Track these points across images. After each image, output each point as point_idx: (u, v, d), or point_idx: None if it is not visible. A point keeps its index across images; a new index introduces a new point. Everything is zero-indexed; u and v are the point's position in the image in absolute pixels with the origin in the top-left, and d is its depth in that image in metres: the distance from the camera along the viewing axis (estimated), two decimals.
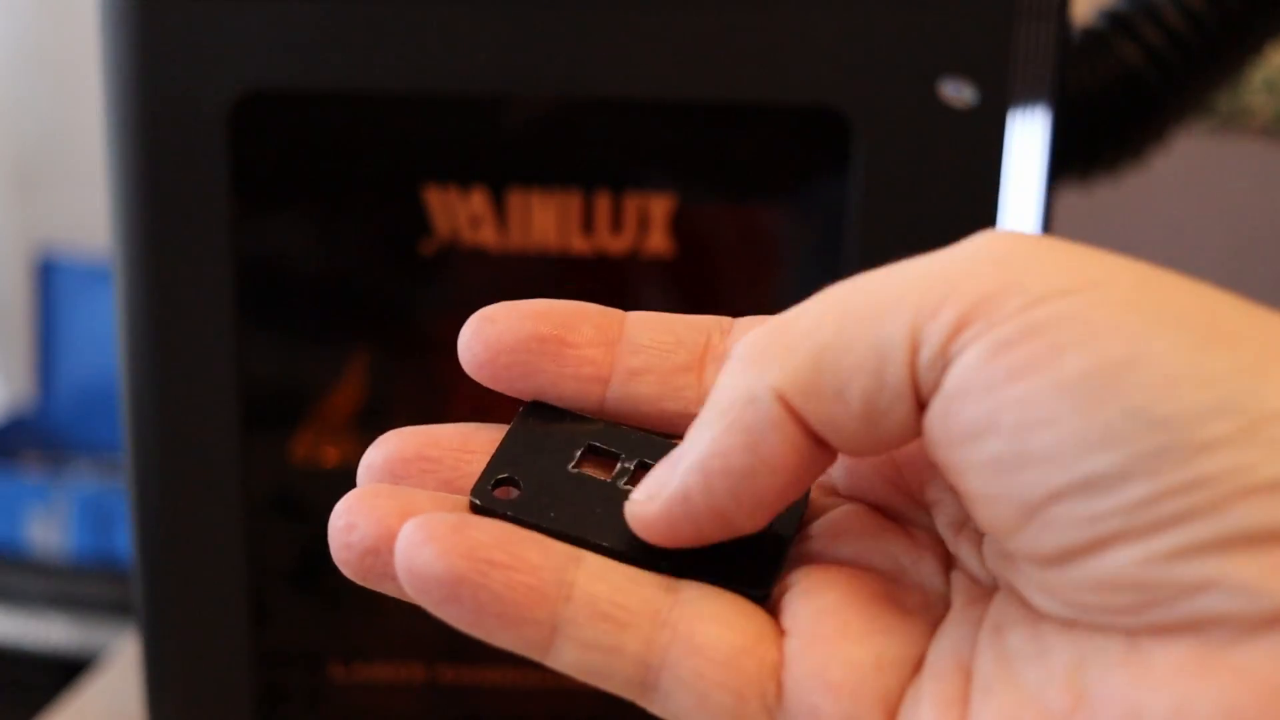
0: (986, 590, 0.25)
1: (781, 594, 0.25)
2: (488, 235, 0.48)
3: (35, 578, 1.34)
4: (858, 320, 0.23)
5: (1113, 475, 0.21)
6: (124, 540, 1.26)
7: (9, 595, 1.33)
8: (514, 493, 0.26)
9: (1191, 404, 0.21)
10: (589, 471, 0.27)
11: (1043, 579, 0.23)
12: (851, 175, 0.46)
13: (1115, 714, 0.21)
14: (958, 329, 0.22)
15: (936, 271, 0.23)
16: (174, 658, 0.52)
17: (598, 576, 0.25)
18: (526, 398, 0.27)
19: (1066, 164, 0.58)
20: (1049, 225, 0.48)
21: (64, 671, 1.18)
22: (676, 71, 0.45)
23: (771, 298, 0.51)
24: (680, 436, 0.27)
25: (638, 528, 0.25)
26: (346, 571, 0.25)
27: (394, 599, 0.25)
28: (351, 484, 0.26)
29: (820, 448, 0.24)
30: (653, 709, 0.25)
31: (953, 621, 0.25)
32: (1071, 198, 0.62)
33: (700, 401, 0.26)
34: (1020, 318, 0.22)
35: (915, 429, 0.23)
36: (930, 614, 0.25)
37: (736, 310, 0.41)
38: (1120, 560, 0.21)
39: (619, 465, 0.27)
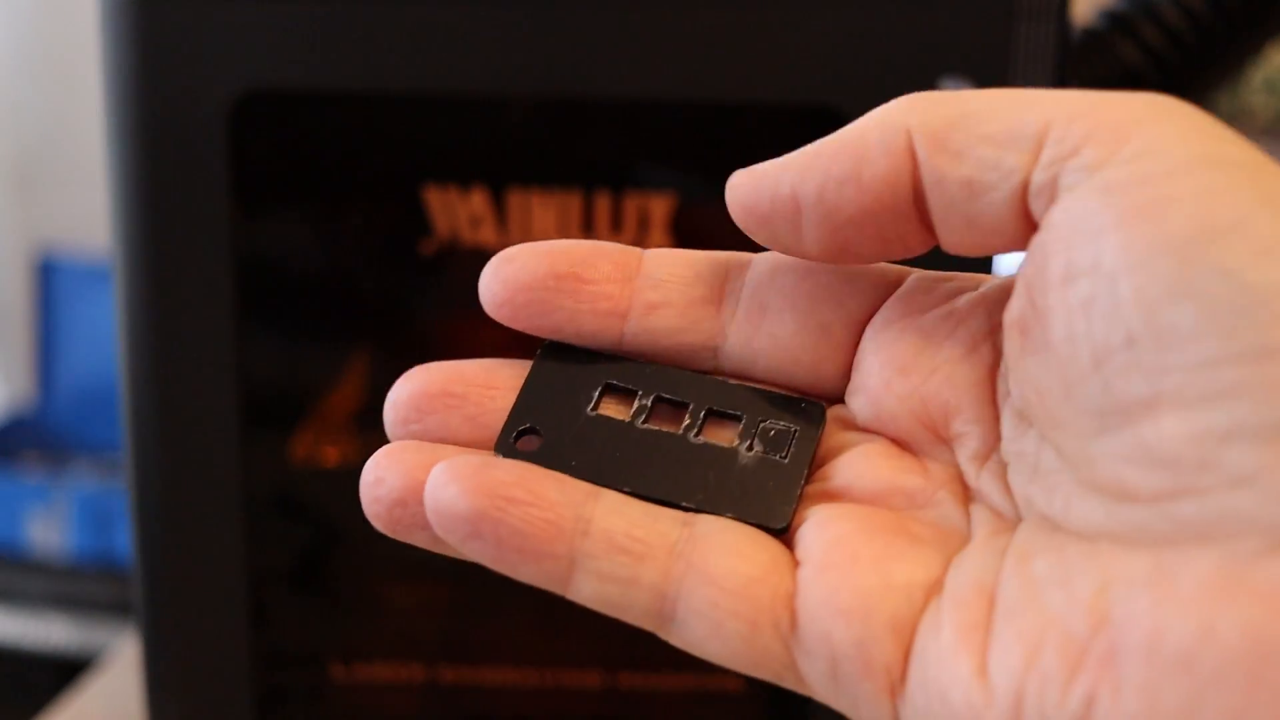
0: (1010, 523, 0.25)
1: (798, 527, 0.26)
2: (488, 235, 0.48)
3: (35, 578, 1.34)
4: (1009, 102, 0.24)
5: (1188, 328, 0.21)
6: (124, 540, 1.26)
7: (9, 595, 1.33)
8: (536, 442, 0.27)
9: None
10: (608, 412, 0.27)
11: (1086, 454, 0.23)
12: None
13: (1138, 637, 0.21)
14: (1083, 141, 0.23)
15: (1093, 93, 0.24)
16: (174, 658, 0.52)
17: (614, 511, 0.25)
18: (546, 335, 0.28)
19: None
20: None
21: (64, 671, 1.18)
22: (676, 71, 0.45)
23: None
24: (698, 370, 0.28)
25: (727, 190, 0.27)
26: (378, 525, 0.26)
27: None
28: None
29: (913, 210, 0.25)
30: (671, 639, 0.25)
31: (975, 550, 0.25)
32: None
33: (720, 334, 0.28)
34: (1139, 164, 0.23)
35: (1002, 232, 0.24)
36: (946, 545, 0.25)
37: None
38: (1170, 428, 0.21)
39: (636, 403, 0.27)
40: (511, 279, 0.27)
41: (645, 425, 0.27)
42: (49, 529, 1.36)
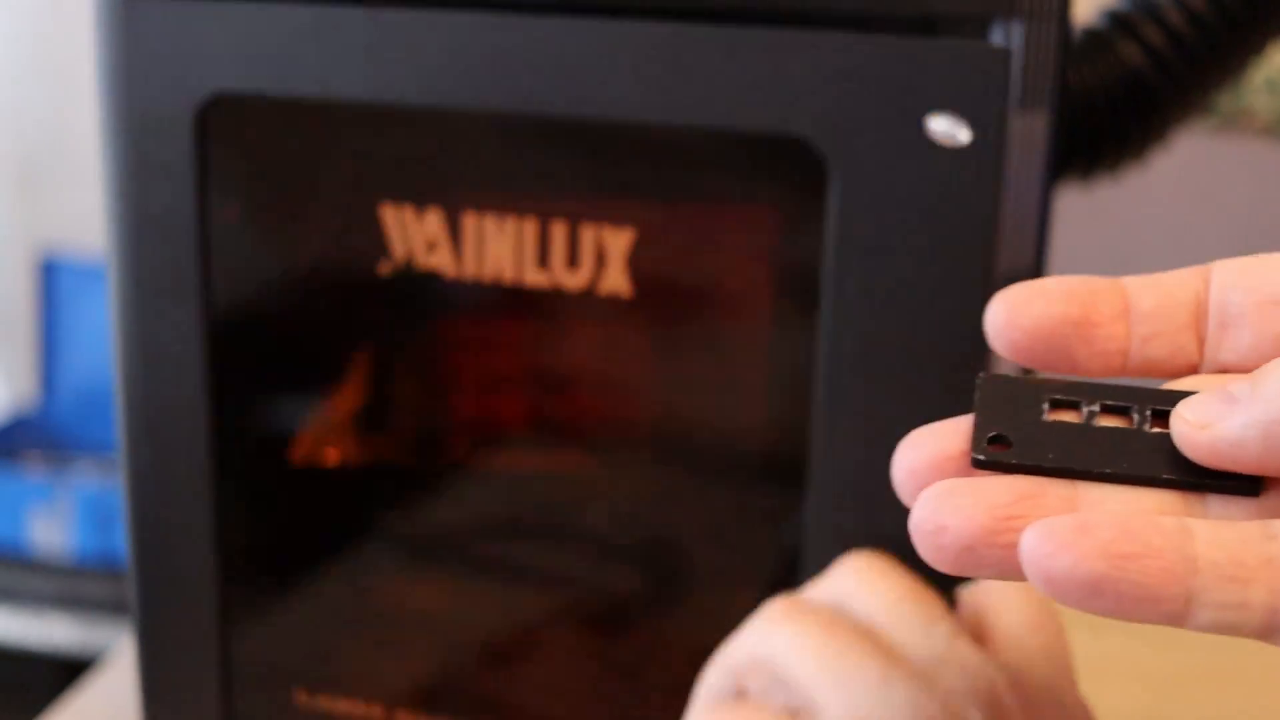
0: None
1: None
2: (443, 259, 0.48)
3: (37, 577, 1.34)
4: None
5: None
6: None
7: (11, 595, 1.34)
8: (1004, 448, 0.29)
9: None
10: (1060, 417, 0.30)
11: None
12: (829, 201, 0.45)
13: None
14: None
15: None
16: (168, 659, 0.52)
17: (1214, 544, 0.27)
18: (1061, 372, 0.31)
19: (1068, 164, 0.58)
20: (1049, 225, 0.48)
21: (66, 671, 1.19)
22: (647, 96, 0.45)
23: (739, 338, 0.51)
24: (1125, 385, 0.30)
25: (1183, 446, 0.28)
26: (942, 569, 0.28)
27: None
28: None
29: None
30: None
31: None
32: (1072, 198, 0.62)
33: (1199, 353, 0.30)
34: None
35: None
36: None
37: (703, 351, 0.41)
38: None
39: (1084, 409, 0.30)
40: (1031, 327, 0.30)
41: (1096, 424, 0.30)
42: (51, 529, 1.36)
